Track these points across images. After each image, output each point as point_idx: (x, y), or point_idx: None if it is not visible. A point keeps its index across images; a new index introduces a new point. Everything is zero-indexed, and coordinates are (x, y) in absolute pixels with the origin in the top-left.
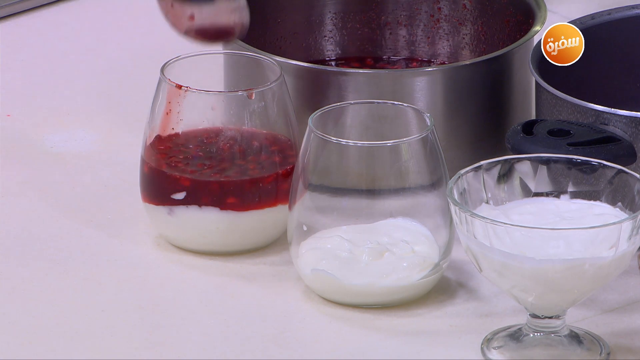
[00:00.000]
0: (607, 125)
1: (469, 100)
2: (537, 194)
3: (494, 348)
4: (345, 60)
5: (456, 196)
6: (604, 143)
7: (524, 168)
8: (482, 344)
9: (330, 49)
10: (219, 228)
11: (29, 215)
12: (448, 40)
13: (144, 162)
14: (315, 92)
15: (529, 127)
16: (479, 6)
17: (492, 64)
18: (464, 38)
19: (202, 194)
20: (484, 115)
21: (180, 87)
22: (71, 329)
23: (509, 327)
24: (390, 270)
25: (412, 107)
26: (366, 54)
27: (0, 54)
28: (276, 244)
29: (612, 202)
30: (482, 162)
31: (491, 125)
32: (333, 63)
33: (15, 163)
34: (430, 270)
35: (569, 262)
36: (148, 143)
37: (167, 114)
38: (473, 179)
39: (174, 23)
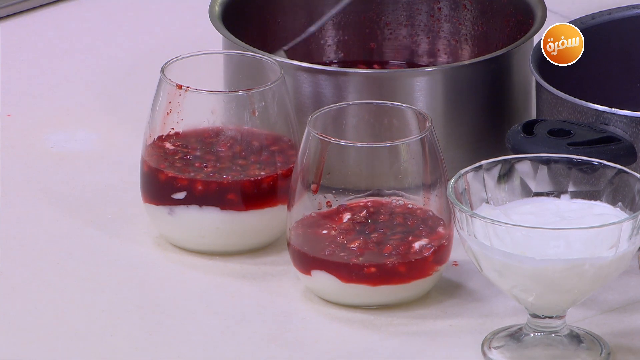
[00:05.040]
0: (607, 125)
1: (469, 100)
2: (537, 194)
3: (494, 348)
4: (345, 60)
5: (456, 196)
6: (604, 143)
7: (524, 168)
8: (482, 344)
9: (330, 49)
10: (219, 228)
11: (29, 215)
12: (448, 40)
13: (144, 162)
14: (315, 92)
15: (529, 127)
16: (479, 6)
17: (492, 64)
18: (464, 38)
19: (203, 194)
20: (484, 115)
21: (180, 87)
22: (71, 329)
23: (509, 327)
24: None
25: (412, 107)
26: (366, 54)
27: (0, 54)
28: (276, 244)
29: (613, 202)
30: (482, 162)
31: (491, 125)
32: (333, 63)
33: (15, 163)
34: None
35: (569, 262)
36: (148, 143)
37: (167, 113)
38: (473, 178)
39: None
